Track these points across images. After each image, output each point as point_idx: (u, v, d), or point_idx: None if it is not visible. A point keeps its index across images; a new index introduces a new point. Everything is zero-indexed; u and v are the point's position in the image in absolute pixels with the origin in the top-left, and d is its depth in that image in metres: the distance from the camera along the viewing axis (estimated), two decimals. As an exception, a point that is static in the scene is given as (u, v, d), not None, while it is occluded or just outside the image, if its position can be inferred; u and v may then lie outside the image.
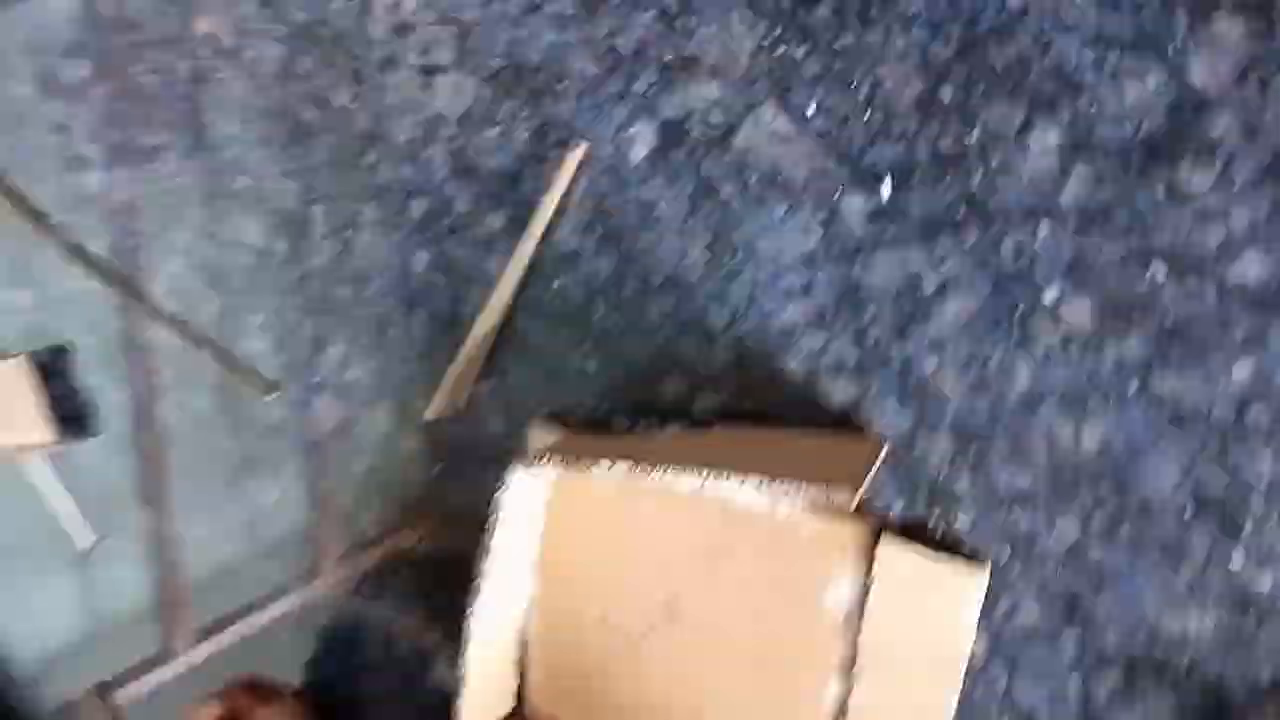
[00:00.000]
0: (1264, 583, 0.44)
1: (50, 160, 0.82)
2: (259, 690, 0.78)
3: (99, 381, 0.87)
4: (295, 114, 0.67)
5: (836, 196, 0.49)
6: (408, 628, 0.74)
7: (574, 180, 0.56)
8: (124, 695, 1.04)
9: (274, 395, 0.75)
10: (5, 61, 0.82)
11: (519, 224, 0.60)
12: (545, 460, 0.56)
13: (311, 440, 0.75)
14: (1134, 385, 0.44)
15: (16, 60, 0.81)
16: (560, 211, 0.58)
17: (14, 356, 0.90)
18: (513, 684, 0.68)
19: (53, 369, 0.90)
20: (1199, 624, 0.46)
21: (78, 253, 0.83)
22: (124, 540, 0.93)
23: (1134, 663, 0.48)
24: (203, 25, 0.69)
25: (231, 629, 0.86)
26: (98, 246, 0.82)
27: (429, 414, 0.65)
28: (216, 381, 0.79)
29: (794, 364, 0.53)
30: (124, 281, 0.81)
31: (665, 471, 0.51)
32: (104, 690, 1.02)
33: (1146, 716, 0.48)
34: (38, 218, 0.85)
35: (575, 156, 0.55)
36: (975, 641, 0.51)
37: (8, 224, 0.87)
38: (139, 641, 0.97)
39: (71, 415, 0.91)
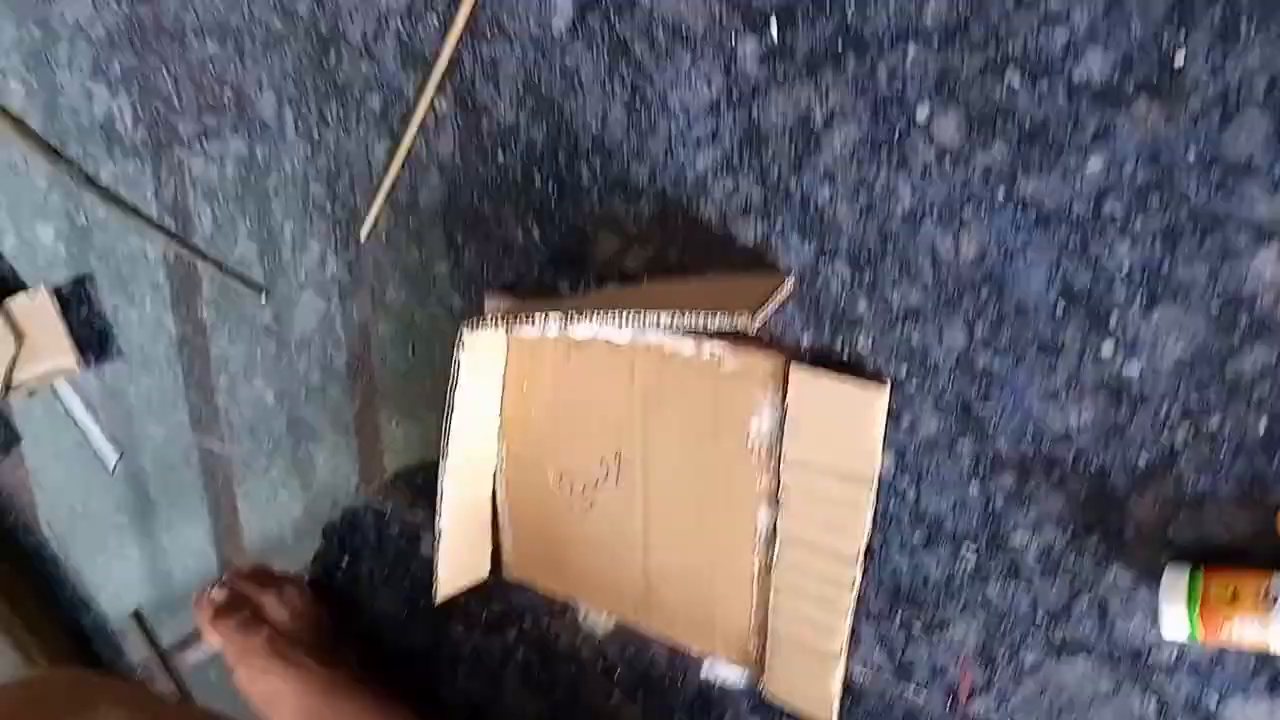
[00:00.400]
0: (1133, 369, 0.46)
1: (66, 99, 0.89)
2: (262, 577, 0.84)
3: (118, 303, 0.94)
4: (266, 24, 0.72)
5: (732, 42, 0.53)
6: (396, 508, 0.79)
7: (468, 20, 0.60)
8: (187, 659, 1.11)
9: (264, 298, 0.81)
10: None
11: (463, 104, 0.64)
12: (492, 320, 0.60)
13: (299, 337, 0.80)
14: (1001, 192, 0.47)
15: None
16: (492, 80, 0.62)
17: (37, 290, 0.97)
18: (487, 548, 0.73)
19: (75, 298, 0.97)
20: (1079, 418, 0.49)
21: (89, 183, 0.89)
22: (170, 466, 0.99)
23: (1025, 464, 0.51)
24: (180, -51, 0.75)
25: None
26: (106, 175, 0.88)
27: (363, 235, 0.72)
28: (214, 291, 0.84)
29: (709, 209, 0.57)
30: (129, 205, 0.87)
31: (593, 318, 0.54)
32: (140, 618, 1.08)
33: (1041, 515, 0.51)
34: (53, 153, 0.91)
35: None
36: (883, 457, 0.54)
37: (32, 164, 0.94)
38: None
39: (94, 340, 0.98)
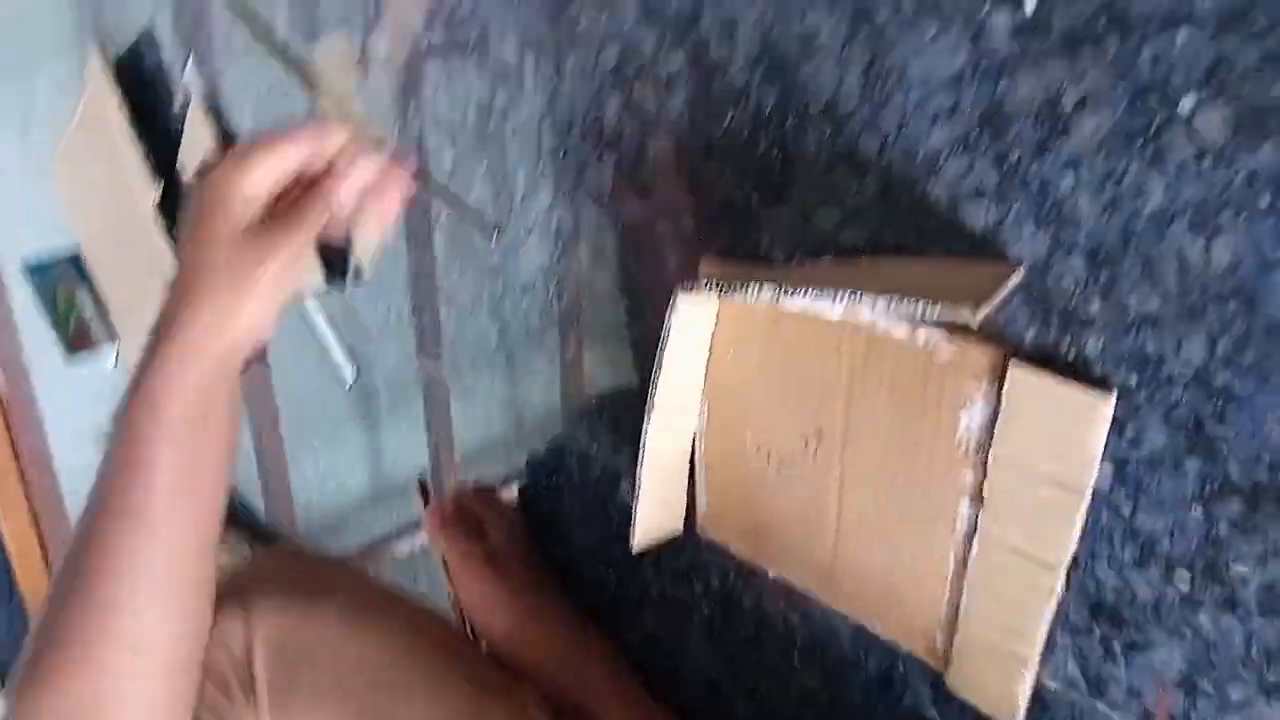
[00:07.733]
0: (1396, 408, 0.42)
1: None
2: (485, 498, 0.91)
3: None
4: (514, -28, 0.74)
5: (983, 13, 0.50)
6: (600, 451, 0.82)
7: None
8: (397, 550, 1.19)
9: (496, 238, 0.84)
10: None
11: (695, 65, 0.64)
12: (706, 285, 0.60)
13: (523, 280, 0.83)
14: (1265, 199, 0.43)
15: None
16: (727, 39, 0.61)
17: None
18: (683, 504, 0.74)
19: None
20: (1328, 452, 0.44)
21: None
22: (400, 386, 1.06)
23: (1257, 493, 0.47)
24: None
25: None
26: (356, 107, 0.94)
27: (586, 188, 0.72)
28: (449, 227, 0.89)
29: (938, 189, 0.54)
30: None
31: (808, 293, 0.54)
32: (424, 487, 1.12)
33: (1268, 549, 0.47)
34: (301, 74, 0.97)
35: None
36: (1101, 468, 0.51)
37: (290, 89, 1.00)
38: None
39: (340, 262, 1.05)
